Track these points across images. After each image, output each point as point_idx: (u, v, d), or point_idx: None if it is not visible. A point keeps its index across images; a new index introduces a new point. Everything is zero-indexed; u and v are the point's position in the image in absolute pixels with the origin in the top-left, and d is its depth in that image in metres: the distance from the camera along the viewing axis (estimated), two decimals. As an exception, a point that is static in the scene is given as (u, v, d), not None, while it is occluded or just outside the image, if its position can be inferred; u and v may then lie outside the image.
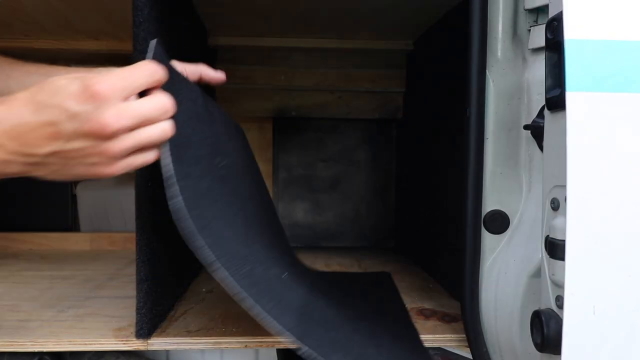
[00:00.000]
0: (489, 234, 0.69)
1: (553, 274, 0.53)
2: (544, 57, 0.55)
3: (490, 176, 0.68)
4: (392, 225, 1.49)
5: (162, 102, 0.45)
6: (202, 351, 0.85)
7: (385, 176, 1.48)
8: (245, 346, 0.74)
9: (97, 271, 1.12)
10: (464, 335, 0.71)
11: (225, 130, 0.77)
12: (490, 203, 0.68)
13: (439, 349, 0.83)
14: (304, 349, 0.60)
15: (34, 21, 1.15)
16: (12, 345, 0.72)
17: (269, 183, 1.49)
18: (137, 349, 0.73)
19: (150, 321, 0.73)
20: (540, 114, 0.62)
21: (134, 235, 0.72)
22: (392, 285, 1.03)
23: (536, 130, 0.63)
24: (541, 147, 0.62)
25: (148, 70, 0.45)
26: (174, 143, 0.52)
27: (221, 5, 1.04)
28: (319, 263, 1.25)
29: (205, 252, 0.55)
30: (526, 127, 0.65)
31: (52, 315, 0.83)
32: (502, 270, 0.67)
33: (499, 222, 0.68)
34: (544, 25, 0.55)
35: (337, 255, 1.34)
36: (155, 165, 0.70)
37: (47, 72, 0.62)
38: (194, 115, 0.62)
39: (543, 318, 0.53)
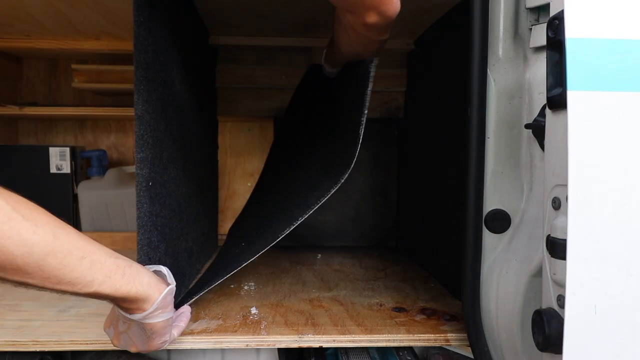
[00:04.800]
0: (490, 233, 0.69)
1: (554, 273, 0.53)
2: (545, 56, 0.55)
3: (492, 175, 0.68)
4: (393, 224, 1.49)
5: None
6: (204, 351, 0.85)
7: (387, 175, 1.48)
8: (247, 346, 0.74)
9: (99, 271, 1.12)
10: (466, 335, 0.71)
11: None
12: (491, 202, 0.68)
13: (440, 348, 0.83)
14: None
15: (35, 21, 1.16)
16: (14, 345, 0.72)
17: (270, 182, 1.49)
18: (138, 349, 0.73)
19: (152, 321, 0.73)
20: (542, 113, 0.62)
21: (135, 235, 0.72)
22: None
23: (537, 129, 0.63)
24: (542, 146, 0.62)
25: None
26: None
27: (222, 5, 1.04)
28: (320, 263, 1.25)
29: None
30: (527, 126, 0.65)
31: (54, 314, 0.83)
32: (504, 270, 0.67)
33: (500, 221, 0.68)
34: (545, 24, 0.55)
35: (339, 254, 1.34)
36: (155, 166, 0.70)
37: None
38: None
39: (544, 317, 0.53)
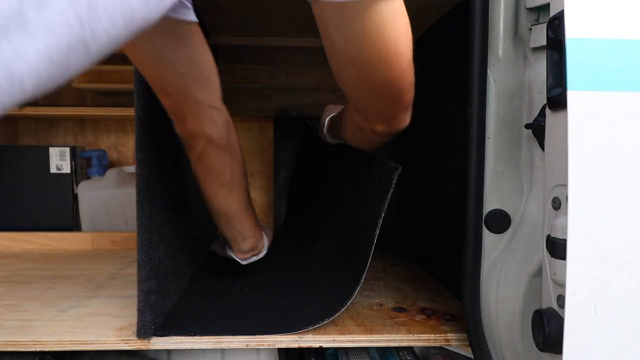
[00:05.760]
0: (490, 233, 0.69)
1: (554, 273, 0.53)
2: (545, 56, 0.55)
3: (491, 175, 0.68)
4: (393, 224, 1.49)
5: None
6: (204, 351, 0.85)
7: (387, 175, 1.48)
8: (247, 345, 0.74)
9: (98, 271, 1.12)
10: (466, 335, 0.71)
11: None
12: (491, 202, 0.68)
13: (440, 348, 0.83)
14: None
15: (35, 21, 1.15)
16: (14, 345, 0.72)
17: (269, 183, 1.49)
18: (138, 349, 0.73)
19: (152, 321, 0.73)
20: (542, 113, 0.62)
21: (135, 235, 0.72)
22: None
23: (537, 129, 0.63)
24: (542, 146, 0.62)
25: None
26: None
27: (222, 5, 1.04)
28: (320, 262, 1.25)
29: None
30: (527, 126, 0.65)
31: (54, 314, 0.83)
32: (504, 270, 0.67)
33: (500, 222, 0.68)
34: (545, 24, 0.55)
35: (339, 254, 1.34)
36: (156, 166, 0.70)
37: None
38: None
39: (544, 317, 0.53)
